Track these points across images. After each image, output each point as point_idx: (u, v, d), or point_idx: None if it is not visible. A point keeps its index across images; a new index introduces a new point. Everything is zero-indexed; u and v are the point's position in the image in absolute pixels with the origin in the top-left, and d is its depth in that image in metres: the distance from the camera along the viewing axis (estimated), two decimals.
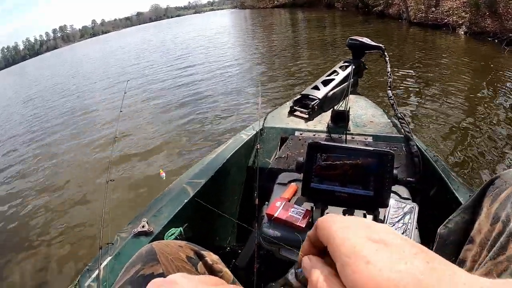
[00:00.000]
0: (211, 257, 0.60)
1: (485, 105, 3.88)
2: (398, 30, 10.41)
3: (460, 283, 0.18)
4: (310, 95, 1.82)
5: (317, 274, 0.24)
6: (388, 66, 1.98)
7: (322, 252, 0.26)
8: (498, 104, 3.88)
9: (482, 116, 3.61)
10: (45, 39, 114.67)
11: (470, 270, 0.47)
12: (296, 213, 0.99)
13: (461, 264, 0.50)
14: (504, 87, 4.38)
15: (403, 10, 11.26)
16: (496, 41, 6.69)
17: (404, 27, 10.62)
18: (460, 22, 8.30)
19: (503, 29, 6.71)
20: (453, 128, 3.38)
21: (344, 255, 0.21)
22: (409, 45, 7.88)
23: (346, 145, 0.94)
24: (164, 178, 2.06)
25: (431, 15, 9.62)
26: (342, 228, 0.24)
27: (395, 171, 0.88)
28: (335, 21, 15.17)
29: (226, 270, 0.60)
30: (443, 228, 0.59)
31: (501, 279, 0.21)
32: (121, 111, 1.93)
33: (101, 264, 0.96)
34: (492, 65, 5.40)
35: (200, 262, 0.57)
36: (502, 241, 0.42)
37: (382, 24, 11.70)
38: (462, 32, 8.01)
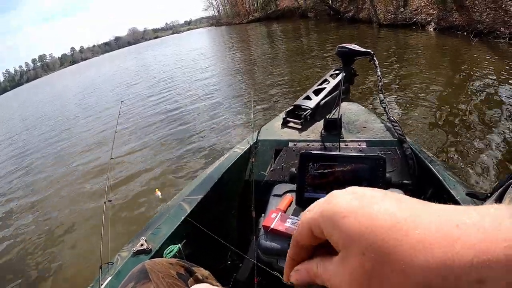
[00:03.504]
0: (202, 272, 0.63)
1: (461, 96, 3.86)
2: (370, 32, 10.47)
3: (432, 210, 0.19)
4: (302, 105, 1.81)
5: (314, 267, 0.24)
6: (378, 70, 1.96)
7: (308, 257, 0.26)
8: (472, 93, 3.87)
9: (459, 106, 3.60)
10: (25, 69, 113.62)
11: None
12: (292, 223, 0.99)
13: None
14: (476, 76, 4.37)
15: (372, 13, 11.37)
16: (465, 33, 6.69)
17: (375, 29, 10.70)
18: (429, 19, 8.35)
19: (471, 21, 6.72)
20: (433, 121, 3.37)
21: (325, 220, 0.22)
22: (381, 47, 7.85)
23: (336, 153, 0.96)
24: (160, 197, 2.21)
25: (400, 16, 9.70)
26: (322, 205, 0.23)
27: (388, 175, 0.89)
28: (309, 30, 15.40)
29: (217, 284, 0.62)
30: None
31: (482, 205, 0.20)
32: (116, 132, 1.89)
33: (101, 284, 0.96)
34: (463, 57, 5.42)
35: (191, 278, 0.61)
36: None
37: (354, 28, 11.85)
38: (432, 29, 8.05)
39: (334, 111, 1.63)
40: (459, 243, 0.17)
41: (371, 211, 0.20)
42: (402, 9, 9.76)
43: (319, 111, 1.79)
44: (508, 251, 0.15)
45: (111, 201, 1.37)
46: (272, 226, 0.99)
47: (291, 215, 1.03)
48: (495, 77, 4.21)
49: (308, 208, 0.25)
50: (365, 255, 0.19)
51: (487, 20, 6.45)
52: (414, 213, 0.19)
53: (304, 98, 1.89)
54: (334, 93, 1.87)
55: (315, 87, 1.99)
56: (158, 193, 2.19)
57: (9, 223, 3.64)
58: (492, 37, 6.07)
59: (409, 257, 0.17)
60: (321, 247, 0.24)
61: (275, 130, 1.78)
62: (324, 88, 1.94)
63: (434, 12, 8.28)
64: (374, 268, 0.19)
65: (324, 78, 2.07)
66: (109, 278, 1.00)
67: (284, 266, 0.28)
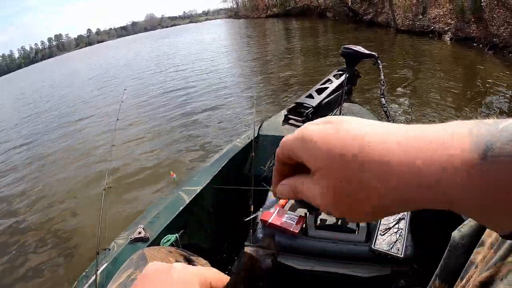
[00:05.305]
0: (200, 262, 0.63)
1: (469, 106, 3.91)
2: (386, 37, 10.49)
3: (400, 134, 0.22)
4: (304, 103, 1.83)
5: (295, 183, 0.27)
6: (382, 74, 1.99)
7: (291, 172, 0.28)
8: (481, 105, 3.92)
9: (465, 115, 3.63)
10: (40, 47, 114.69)
11: (480, 271, 0.50)
12: (290, 219, 1.02)
13: (471, 265, 0.52)
14: (487, 88, 4.41)
15: (391, 18, 11.38)
16: (481, 46, 6.73)
17: (392, 34, 10.71)
18: (446, 28, 8.37)
19: (488, 35, 6.76)
20: None
21: (298, 144, 0.25)
22: (397, 52, 7.90)
23: None
24: (176, 179, 2.21)
25: (418, 23, 9.70)
26: (297, 131, 0.26)
27: None
28: (327, 30, 15.36)
29: None
30: (456, 231, 0.60)
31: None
32: (117, 119, 1.92)
33: (98, 269, 0.98)
34: (476, 69, 5.47)
35: None
36: (510, 243, 0.43)
37: (372, 32, 11.83)
38: (448, 38, 8.06)
39: (336, 110, 1.67)
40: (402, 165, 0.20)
41: (340, 137, 0.22)
42: (420, 17, 9.77)
43: (320, 110, 1.81)
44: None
45: (110, 187, 1.37)
46: (270, 221, 1.03)
47: (289, 210, 1.07)
48: (506, 91, 4.25)
49: (288, 136, 0.28)
50: (332, 178, 0.22)
51: (504, 34, 6.48)
52: (376, 137, 0.22)
53: (307, 97, 1.90)
54: (337, 93, 1.89)
55: (318, 86, 2.00)
56: (174, 175, 2.17)
57: (5, 205, 3.72)
58: (507, 52, 6.12)
59: (369, 182, 0.21)
60: (302, 164, 0.26)
61: (276, 126, 1.81)
62: (327, 87, 1.95)
63: (452, 22, 8.30)
64: (342, 188, 0.22)
65: (327, 78, 2.08)
66: (105, 265, 1.02)
67: (272, 181, 0.30)
